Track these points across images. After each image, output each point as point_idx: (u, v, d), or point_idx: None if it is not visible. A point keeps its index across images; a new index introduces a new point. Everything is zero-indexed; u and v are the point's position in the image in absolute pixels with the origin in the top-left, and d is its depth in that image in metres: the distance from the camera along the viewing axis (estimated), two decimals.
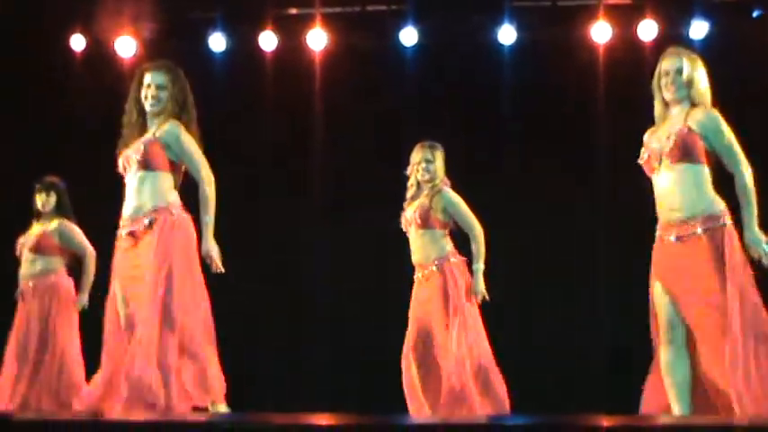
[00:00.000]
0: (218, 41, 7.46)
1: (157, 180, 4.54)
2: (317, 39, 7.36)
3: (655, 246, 4.40)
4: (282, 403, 4.71)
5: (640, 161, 4.46)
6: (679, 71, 4.37)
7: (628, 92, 7.14)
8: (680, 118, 4.38)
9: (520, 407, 5.54)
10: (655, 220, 4.44)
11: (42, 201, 6.21)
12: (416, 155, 5.68)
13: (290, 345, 7.29)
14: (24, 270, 6.18)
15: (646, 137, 4.49)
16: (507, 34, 7.23)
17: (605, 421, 3.05)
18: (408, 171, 5.70)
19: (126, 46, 7.47)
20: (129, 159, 4.59)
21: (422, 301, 5.55)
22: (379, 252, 7.26)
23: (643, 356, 4.48)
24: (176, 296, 4.37)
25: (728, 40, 6.77)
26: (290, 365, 7.21)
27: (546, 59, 7.21)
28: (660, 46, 7.02)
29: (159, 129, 4.57)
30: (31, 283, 6.11)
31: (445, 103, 7.30)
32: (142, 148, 4.55)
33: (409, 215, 5.62)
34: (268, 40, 7.43)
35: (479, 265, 5.48)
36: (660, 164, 4.36)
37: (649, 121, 7.04)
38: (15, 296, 6.16)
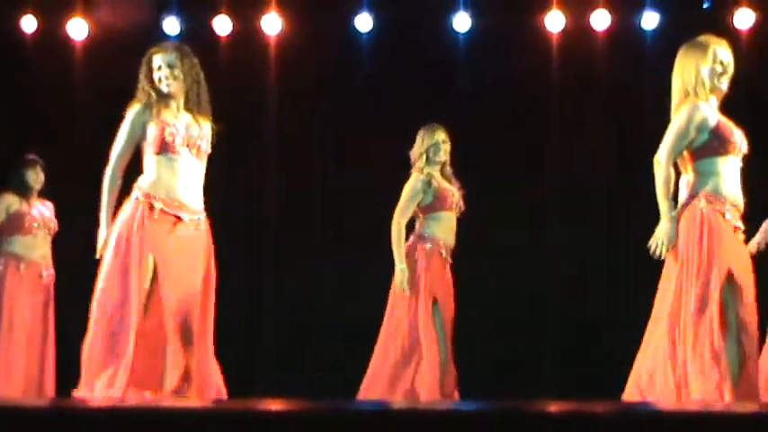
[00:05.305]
0: (171, 25, 7.39)
1: (203, 174, 4.58)
2: (272, 23, 7.33)
3: (720, 223, 4.31)
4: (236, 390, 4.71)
5: (736, 139, 4.36)
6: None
7: (581, 80, 7.24)
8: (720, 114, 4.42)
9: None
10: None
11: (36, 177, 6.12)
12: (440, 134, 5.75)
13: (246, 330, 7.29)
14: (42, 251, 6.05)
15: (723, 120, 4.38)
16: (462, 21, 7.26)
17: (553, 407, 3.11)
18: (437, 150, 5.72)
19: (78, 28, 7.38)
20: (192, 141, 4.49)
21: (449, 284, 5.72)
22: (331, 239, 7.30)
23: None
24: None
25: (679, 31, 6.85)
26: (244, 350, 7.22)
27: (500, 47, 7.25)
28: (613, 35, 7.16)
29: (207, 121, 4.58)
30: (48, 269, 6.06)
31: (400, 90, 7.31)
32: (208, 136, 4.54)
33: (457, 198, 5.74)
34: (222, 25, 7.38)
35: None
36: (735, 153, 4.37)
37: (602, 108, 7.19)
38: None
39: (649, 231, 4.41)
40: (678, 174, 4.45)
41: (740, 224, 4.41)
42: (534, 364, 7.04)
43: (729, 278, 4.30)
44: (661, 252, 4.33)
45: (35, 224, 6.01)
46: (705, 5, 7.09)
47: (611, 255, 7.08)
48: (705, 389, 4.19)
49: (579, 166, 7.24)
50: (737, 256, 4.36)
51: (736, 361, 4.27)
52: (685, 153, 4.39)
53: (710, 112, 4.37)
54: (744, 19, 6.92)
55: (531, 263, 7.07)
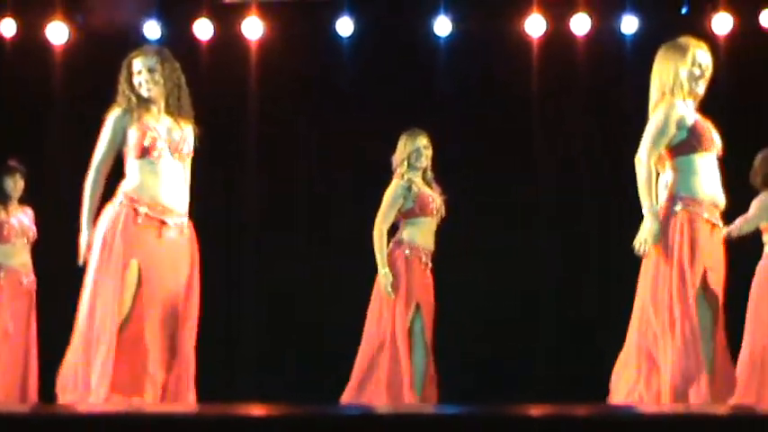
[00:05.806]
0: (152, 29, 7.37)
1: (187, 177, 4.57)
2: (253, 28, 7.33)
3: (697, 227, 4.35)
4: (215, 394, 4.71)
5: (712, 138, 4.42)
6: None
7: (561, 84, 7.28)
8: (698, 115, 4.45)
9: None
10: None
11: (14, 184, 6.11)
12: (422, 139, 5.76)
13: (225, 334, 7.28)
14: (21, 258, 6.06)
15: (701, 119, 4.44)
16: (443, 26, 7.28)
17: (534, 411, 3.13)
18: (418, 155, 5.73)
19: (58, 32, 7.35)
20: (174, 144, 4.47)
21: (429, 288, 5.74)
22: (313, 243, 7.30)
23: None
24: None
25: (658, 35, 6.89)
26: (224, 355, 7.21)
27: (481, 51, 7.28)
28: (593, 40, 7.20)
29: (189, 124, 4.57)
30: (28, 276, 6.07)
31: (381, 95, 7.32)
32: (189, 139, 4.53)
33: (438, 203, 5.73)
34: (203, 29, 7.37)
35: None
36: (712, 150, 4.41)
37: (583, 111, 7.22)
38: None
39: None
40: (659, 173, 4.50)
41: (719, 221, 4.45)
42: (527, 363, 7.05)
43: (704, 278, 4.36)
44: (645, 250, 4.36)
45: (14, 233, 6.01)
46: (684, 10, 7.15)
47: (604, 254, 7.11)
48: (681, 388, 4.23)
49: (570, 166, 7.29)
50: (713, 257, 4.41)
51: (710, 360, 4.31)
52: (664, 151, 4.43)
53: (687, 111, 4.42)
54: (722, 24, 6.98)
55: (523, 263, 7.08)
